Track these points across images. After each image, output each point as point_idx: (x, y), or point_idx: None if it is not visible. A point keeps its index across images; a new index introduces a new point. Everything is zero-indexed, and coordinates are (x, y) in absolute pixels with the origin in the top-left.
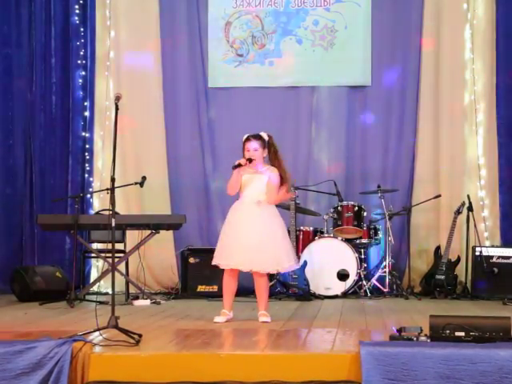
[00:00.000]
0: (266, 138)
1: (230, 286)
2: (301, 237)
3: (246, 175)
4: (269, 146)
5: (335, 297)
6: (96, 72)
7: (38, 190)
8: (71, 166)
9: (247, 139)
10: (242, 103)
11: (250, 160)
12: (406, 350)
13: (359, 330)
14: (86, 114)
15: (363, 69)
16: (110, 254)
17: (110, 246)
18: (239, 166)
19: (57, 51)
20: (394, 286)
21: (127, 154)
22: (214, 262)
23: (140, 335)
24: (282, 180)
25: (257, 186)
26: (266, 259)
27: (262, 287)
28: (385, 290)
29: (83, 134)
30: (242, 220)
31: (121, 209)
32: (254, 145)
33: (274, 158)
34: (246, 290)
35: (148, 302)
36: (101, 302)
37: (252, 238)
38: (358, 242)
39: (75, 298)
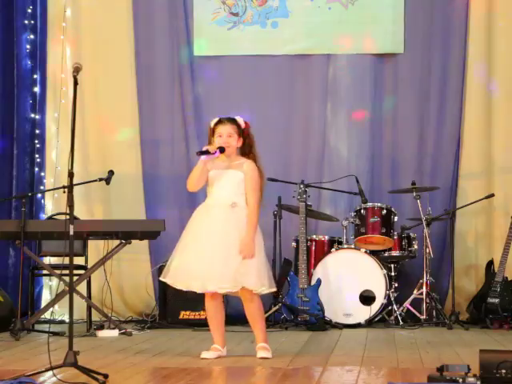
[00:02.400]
0: (242, 124)
1: (215, 314)
2: (313, 248)
3: (214, 170)
4: (244, 135)
5: (357, 325)
6: (48, 35)
7: None
8: (16, 158)
9: (219, 121)
10: (236, 76)
11: (221, 149)
12: None
13: (388, 368)
14: (36, 89)
15: (393, 31)
16: (66, 271)
17: (66, 260)
18: (207, 153)
19: None
20: (434, 312)
21: (89, 142)
22: (162, 278)
23: (106, 376)
24: None
25: (229, 183)
26: (233, 278)
27: (254, 313)
28: (421, 317)
29: (32, 115)
30: (211, 227)
31: (81, 213)
32: (228, 129)
33: (248, 152)
34: (243, 318)
35: (116, 332)
36: (55, 333)
37: (227, 250)
38: (386, 254)
39: (22, 327)
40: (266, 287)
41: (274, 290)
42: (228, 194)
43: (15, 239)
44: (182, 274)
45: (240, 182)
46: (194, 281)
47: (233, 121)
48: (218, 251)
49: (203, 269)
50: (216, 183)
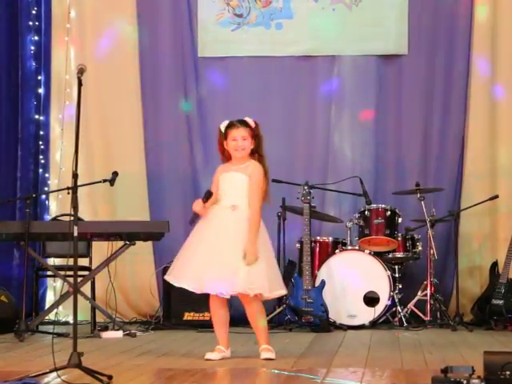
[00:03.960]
0: (252, 125)
1: (219, 314)
2: (317, 250)
3: (225, 174)
4: (255, 136)
5: (361, 327)
6: (52, 37)
7: None
8: (21, 159)
9: (231, 125)
10: (240, 77)
11: (207, 195)
12: None
13: (392, 369)
14: (40, 90)
15: (397, 33)
16: (71, 273)
17: (71, 261)
18: (196, 217)
19: (0, 9)
20: (438, 314)
21: (94, 144)
22: (166, 277)
23: (110, 377)
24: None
25: (233, 186)
26: (247, 278)
27: (254, 316)
28: (426, 319)
29: (36, 116)
30: (212, 229)
31: (85, 214)
32: (242, 132)
33: (255, 152)
34: (246, 319)
35: (120, 333)
36: (59, 335)
37: (228, 252)
38: (390, 256)
39: (26, 328)
40: (277, 290)
41: (284, 292)
42: (229, 197)
43: (19, 240)
44: (186, 274)
45: (244, 185)
46: (198, 281)
47: (245, 123)
48: (219, 254)
49: (207, 270)
50: (221, 186)
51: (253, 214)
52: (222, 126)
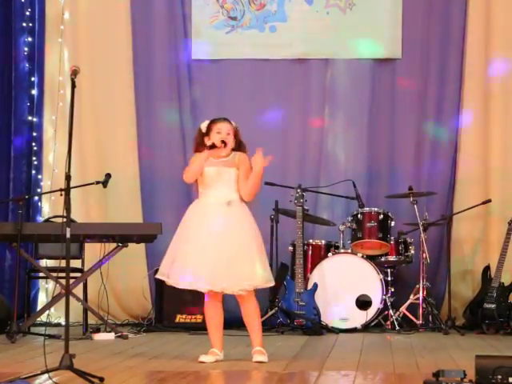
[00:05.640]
0: (234, 124)
1: (214, 316)
2: (309, 253)
3: (211, 167)
4: (235, 135)
5: (353, 330)
6: (46, 38)
7: None
8: (14, 160)
9: (216, 120)
10: (234, 80)
11: (224, 143)
12: None
13: (384, 373)
14: (34, 92)
15: (391, 37)
16: (63, 274)
17: (63, 263)
18: (213, 147)
19: None
20: (430, 317)
21: (87, 145)
22: (158, 276)
23: (102, 379)
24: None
25: (224, 181)
26: (240, 276)
27: (251, 314)
28: (418, 323)
29: (29, 118)
30: (207, 224)
31: (78, 215)
32: (227, 126)
33: (238, 147)
34: (238, 321)
35: (112, 335)
36: (51, 336)
37: (222, 247)
38: (383, 259)
39: (18, 330)
40: (272, 281)
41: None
42: (223, 193)
43: (12, 242)
44: (184, 273)
45: (234, 179)
46: (199, 280)
47: (228, 120)
48: (222, 252)
49: (208, 269)
50: (212, 181)
51: (251, 194)
52: (203, 125)
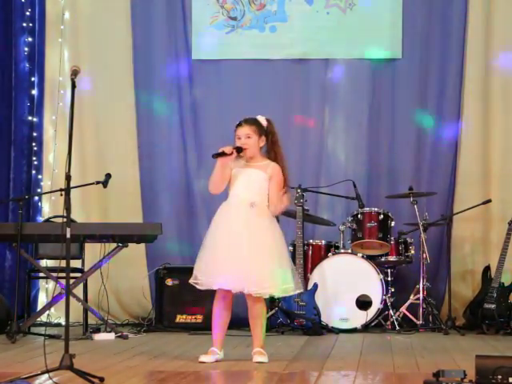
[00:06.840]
0: (264, 123)
1: (221, 315)
2: (310, 253)
3: (236, 168)
4: (267, 133)
5: (354, 330)
6: (46, 38)
7: None
8: (14, 160)
9: (238, 124)
10: (235, 80)
11: (238, 149)
12: None
13: (384, 373)
14: (34, 92)
15: (391, 37)
16: (63, 274)
17: (63, 263)
18: (223, 154)
19: None
20: (430, 318)
21: (87, 145)
22: (191, 280)
23: (102, 379)
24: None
25: (250, 182)
26: (260, 278)
27: (256, 316)
28: (418, 323)
29: (29, 118)
30: (229, 226)
31: (78, 216)
32: (245, 130)
33: (270, 150)
34: (239, 321)
35: (112, 335)
36: (51, 336)
37: (242, 249)
38: (383, 259)
39: (18, 330)
40: (292, 289)
41: (300, 290)
42: (248, 194)
43: (12, 242)
44: (216, 276)
45: (262, 182)
46: (231, 282)
47: (251, 121)
48: (243, 251)
49: (237, 271)
50: (236, 182)
51: (276, 210)
52: (236, 125)
